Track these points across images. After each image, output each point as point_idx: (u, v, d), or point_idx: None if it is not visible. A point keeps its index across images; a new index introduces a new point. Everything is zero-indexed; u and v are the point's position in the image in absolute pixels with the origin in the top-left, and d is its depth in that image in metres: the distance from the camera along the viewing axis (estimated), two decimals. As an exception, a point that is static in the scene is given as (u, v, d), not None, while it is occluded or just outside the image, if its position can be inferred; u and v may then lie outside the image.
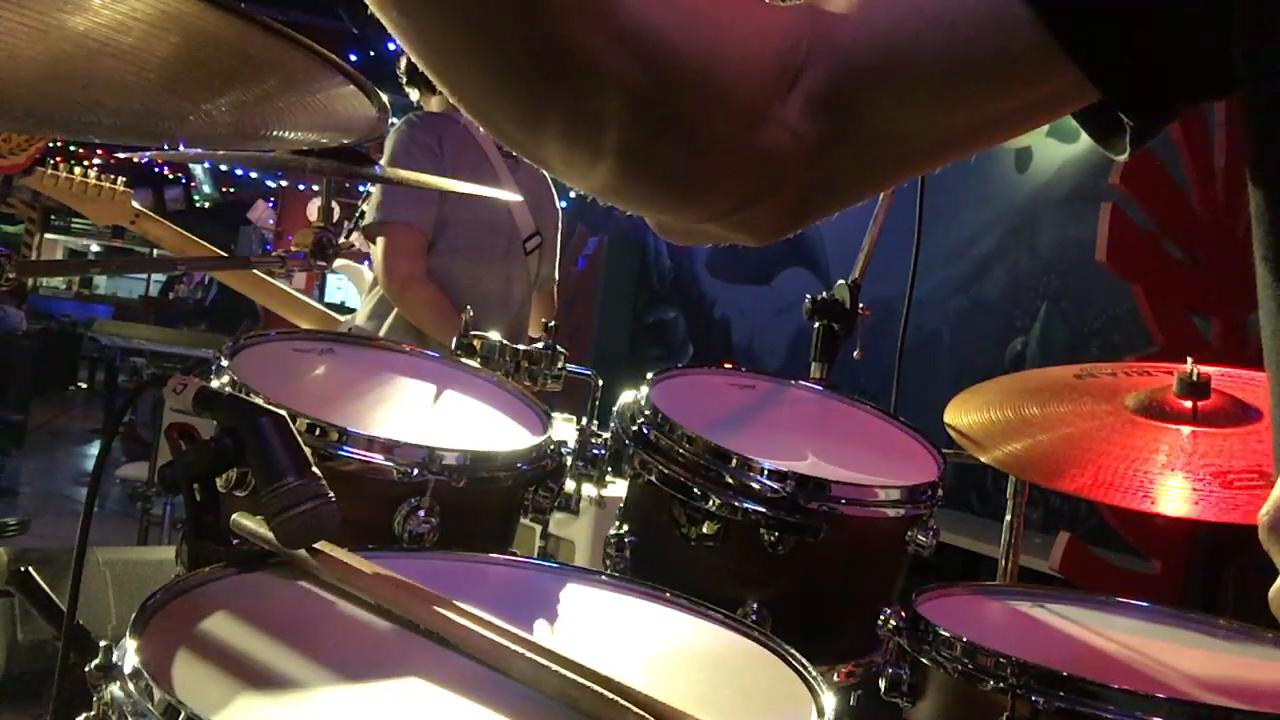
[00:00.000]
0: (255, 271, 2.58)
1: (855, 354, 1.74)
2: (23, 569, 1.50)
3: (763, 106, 0.52)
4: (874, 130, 0.54)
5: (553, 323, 1.62)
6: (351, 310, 2.94)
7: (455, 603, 0.83)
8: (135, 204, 2.54)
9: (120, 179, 2.52)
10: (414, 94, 2.70)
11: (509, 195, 2.31)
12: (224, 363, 1.23)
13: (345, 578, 0.89)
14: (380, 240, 2.42)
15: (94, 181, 2.45)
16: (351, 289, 8.33)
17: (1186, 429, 1.31)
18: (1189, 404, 1.34)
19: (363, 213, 2.48)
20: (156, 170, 12.88)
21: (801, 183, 0.55)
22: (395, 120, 2.43)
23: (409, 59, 2.66)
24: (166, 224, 2.59)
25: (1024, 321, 4.73)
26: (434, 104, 2.64)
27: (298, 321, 2.69)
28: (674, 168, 0.53)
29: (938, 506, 1.35)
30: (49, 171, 2.41)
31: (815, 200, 0.57)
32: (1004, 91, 0.52)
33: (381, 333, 2.48)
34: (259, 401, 1.11)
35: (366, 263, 2.84)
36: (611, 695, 0.72)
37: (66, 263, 10.90)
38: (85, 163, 2.49)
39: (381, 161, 2.42)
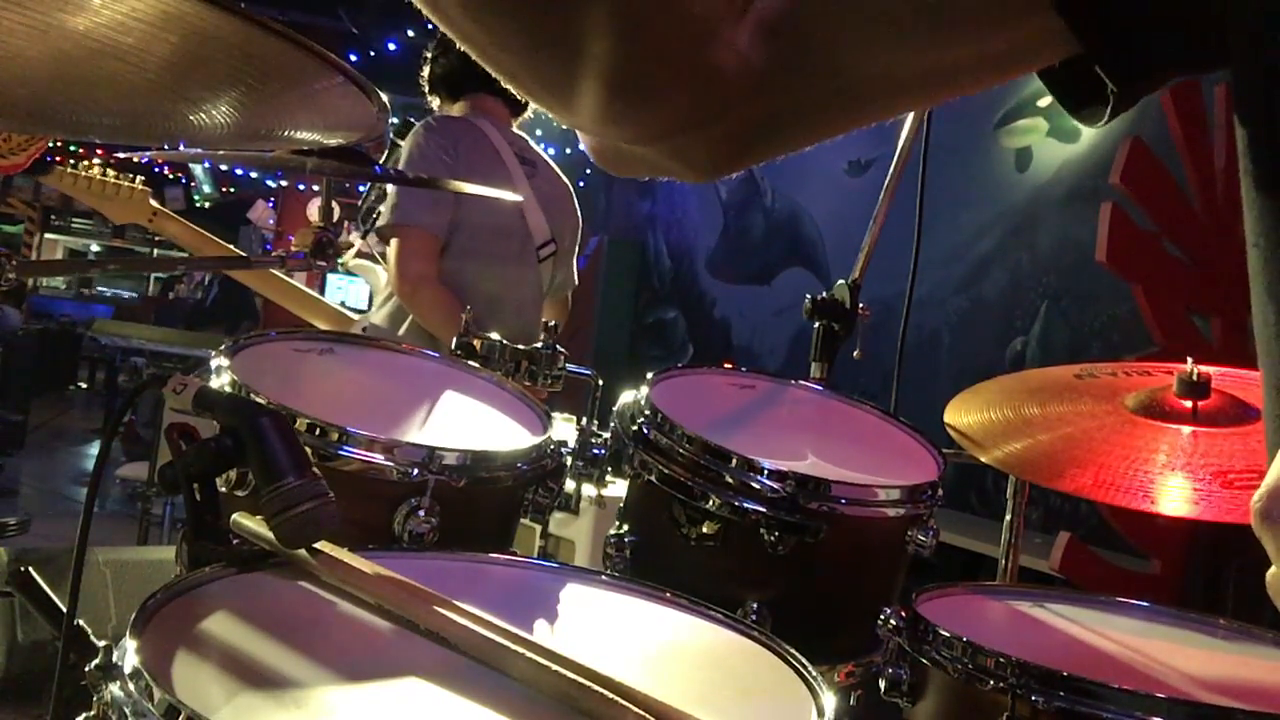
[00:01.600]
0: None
1: (855, 354, 1.74)
2: (23, 569, 1.49)
3: (714, 25, 0.50)
4: (826, 66, 0.51)
5: (553, 322, 1.62)
6: (354, 310, 2.92)
7: (455, 603, 0.83)
8: (153, 202, 2.55)
9: (139, 178, 2.54)
10: (435, 101, 2.70)
11: (514, 196, 2.30)
12: (224, 363, 1.23)
13: (345, 578, 0.89)
14: (394, 242, 2.42)
15: (112, 180, 2.47)
16: (352, 289, 8.33)
17: (1186, 429, 1.31)
18: (1189, 404, 1.34)
19: (377, 214, 2.49)
20: (156, 170, 12.86)
21: (745, 114, 0.53)
22: (395, 120, 2.42)
23: (433, 68, 2.68)
24: (183, 222, 2.60)
25: (1024, 321, 4.73)
26: (454, 109, 2.64)
27: (311, 320, 2.69)
28: (614, 66, 0.50)
29: (938, 506, 1.35)
30: (68, 170, 2.42)
31: (758, 136, 0.55)
32: (972, 35, 0.49)
33: (400, 332, 2.47)
34: (259, 401, 1.11)
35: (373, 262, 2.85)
36: (611, 695, 0.72)
37: (66, 263, 10.90)
38: (87, 162, 2.50)
39: (399, 164, 2.42)
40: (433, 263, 2.42)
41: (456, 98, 2.65)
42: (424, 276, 2.40)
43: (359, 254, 2.91)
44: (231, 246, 2.69)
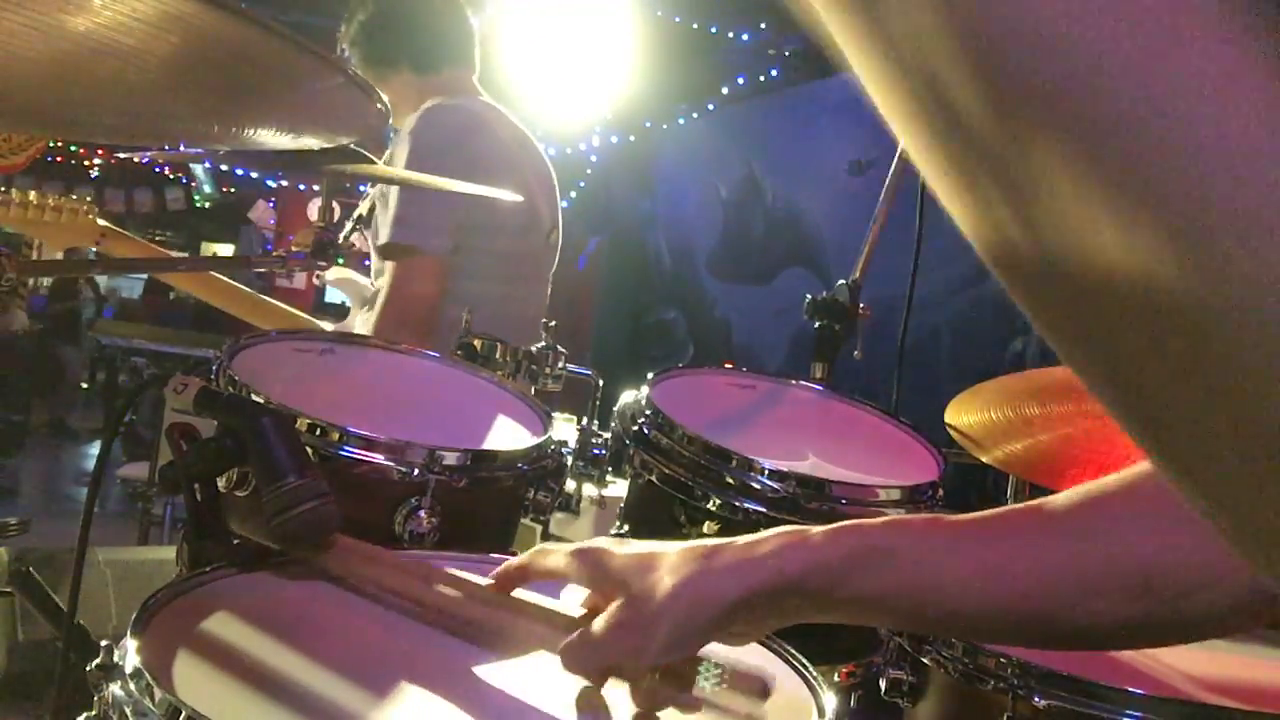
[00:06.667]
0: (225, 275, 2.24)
1: (855, 354, 1.74)
2: (23, 569, 1.50)
3: None
4: None
5: (553, 322, 1.62)
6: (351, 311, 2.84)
7: (457, 575, 0.84)
8: (102, 221, 2.16)
9: (89, 197, 2.20)
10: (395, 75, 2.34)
11: (514, 196, 2.16)
12: (224, 363, 1.23)
13: (349, 564, 0.89)
14: (393, 264, 2.19)
15: (53, 202, 2.11)
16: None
17: (1186, 429, 1.31)
18: (1189, 404, 1.33)
19: (359, 216, 2.35)
20: (157, 170, 12.88)
21: None
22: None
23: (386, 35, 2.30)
24: (137, 240, 2.26)
25: (1024, 321, 4.68)
26: (425, 87, 2.36)
27: (259, 323, 2.32)
28: None
29: (938, 506, 1.35)
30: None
31: None
32: None
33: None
34: (259, 401, 1.11)
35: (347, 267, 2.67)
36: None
37: (66, 262, 10.90)
38: (19, 190, 2.09)
39: (400, 163, 2.19)
40: (436, 285, 2.18)
41: (424, 72, 2.31)
42: (420, 298, 2.16)
43: (350, 252, 2.70)
44: (168, 252, 2.33)
